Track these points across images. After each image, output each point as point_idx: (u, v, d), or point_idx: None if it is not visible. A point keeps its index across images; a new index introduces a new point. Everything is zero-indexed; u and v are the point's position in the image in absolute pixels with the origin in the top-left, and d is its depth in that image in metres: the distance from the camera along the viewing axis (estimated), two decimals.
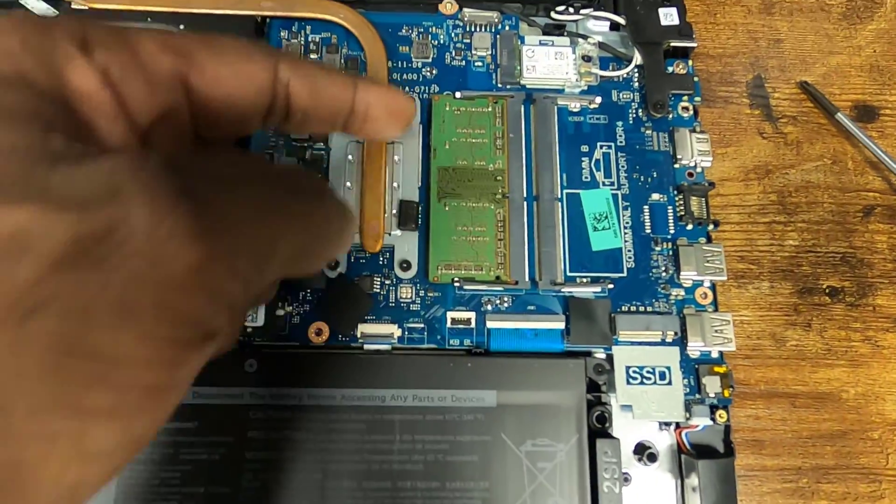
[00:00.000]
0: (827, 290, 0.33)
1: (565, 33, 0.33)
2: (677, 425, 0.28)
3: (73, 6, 0.30)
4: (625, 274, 0.30)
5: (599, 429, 0.28)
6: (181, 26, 0.30)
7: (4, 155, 0.12)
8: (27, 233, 0.11)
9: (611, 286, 0.29)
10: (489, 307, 0.29)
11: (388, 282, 0.29)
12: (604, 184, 0.31)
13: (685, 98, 0.32)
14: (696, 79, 0.33)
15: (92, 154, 0.12)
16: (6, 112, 0.12)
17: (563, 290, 0.29)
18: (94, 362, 0.11)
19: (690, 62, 0.33)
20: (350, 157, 0.30)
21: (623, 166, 0.31)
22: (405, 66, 0.32)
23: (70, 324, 0.11)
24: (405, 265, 0.29)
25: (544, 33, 0.33)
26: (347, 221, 0.19)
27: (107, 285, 0.11)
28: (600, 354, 0.29)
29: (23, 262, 0.11)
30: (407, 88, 0.32)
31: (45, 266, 0.11)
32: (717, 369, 0.28)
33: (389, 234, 0.29)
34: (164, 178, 0.13)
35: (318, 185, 0.21)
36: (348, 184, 0.29)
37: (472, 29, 0.33)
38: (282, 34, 0.32)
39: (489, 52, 0.32)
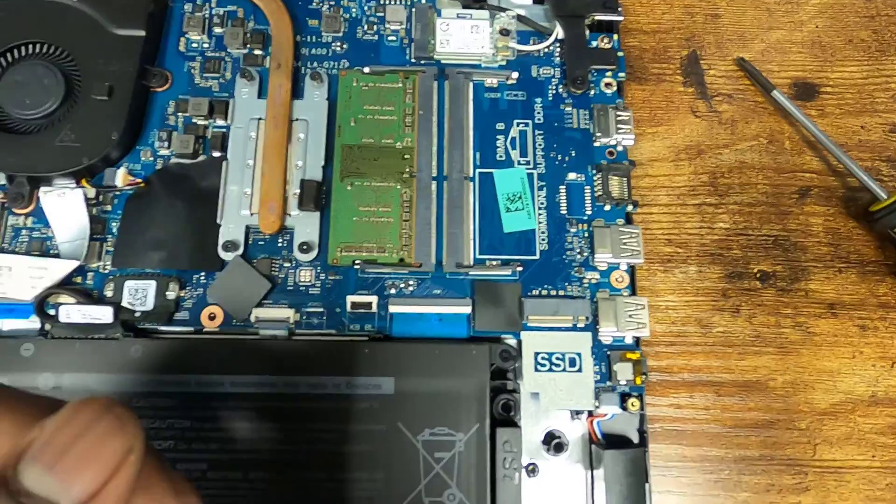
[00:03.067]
0: (758, 275, 0.31)
1: (486, 6, 0.32)
2: (589, 414, 0.27)
3: None
4: (537, 256, 0.28)
5: (505, 417, 0.26)
6: None
7: None
8: None
9: (520, 269, 0.28)
10: (393, 291, 0.27)
11: (287, 265, 0.28)
12: (519, 163, 0.29)
13: (609, 74, 0.31)
14: (620, 54, 0.31)
15: None
16: None
17: (470, 273, 0.28)
18: None
19: (616, 36, 0.32)
20: (252, 134, 0.29)
21: (540, 144, 0.30)
22: (314, 40, 0.31)
23: None
24: (305, 247, 0.27)
25: (464, 6, 0.32)
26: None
27: None
28: (511, 340, 0.27)
29: None
30: (315, 64, 0.30)
31: None
32: (629, 356, 0.27)
33: (290, 216, 0.28)
34: None
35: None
36: (249, 161, 0.28)
37: (387, 1, 0.31)
38: (185, 7, 0.31)
39: (403, 26, 0.31)
